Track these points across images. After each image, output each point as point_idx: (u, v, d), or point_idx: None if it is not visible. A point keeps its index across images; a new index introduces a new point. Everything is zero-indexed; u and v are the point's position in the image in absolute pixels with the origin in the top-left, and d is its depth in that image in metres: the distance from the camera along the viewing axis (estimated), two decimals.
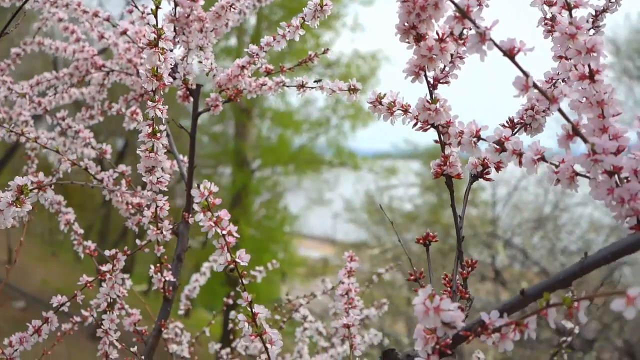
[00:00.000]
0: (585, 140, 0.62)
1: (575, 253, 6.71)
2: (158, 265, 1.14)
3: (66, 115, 1.38)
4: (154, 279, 1.15)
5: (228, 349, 1.72)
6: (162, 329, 1.19)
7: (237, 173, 9.95)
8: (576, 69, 0.67)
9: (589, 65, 0.65)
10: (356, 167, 10.36)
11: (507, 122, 0.83)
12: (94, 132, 1.41)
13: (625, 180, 0.64)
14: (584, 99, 0.67)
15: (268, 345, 0.81)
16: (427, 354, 0.66)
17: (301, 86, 1.17)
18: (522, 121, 0.83)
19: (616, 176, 0.63)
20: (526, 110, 0.83)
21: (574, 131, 0.63)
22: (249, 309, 0.81)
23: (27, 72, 1.45)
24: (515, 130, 0.83)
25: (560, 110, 0.63)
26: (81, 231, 1.29)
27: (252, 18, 9.23)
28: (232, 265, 0.79)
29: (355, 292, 1.18)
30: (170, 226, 1.09)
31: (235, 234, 0.78)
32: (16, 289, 7.63)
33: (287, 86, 1.20)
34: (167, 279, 1.15)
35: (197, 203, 0.75)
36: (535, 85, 0.61)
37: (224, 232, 0.77)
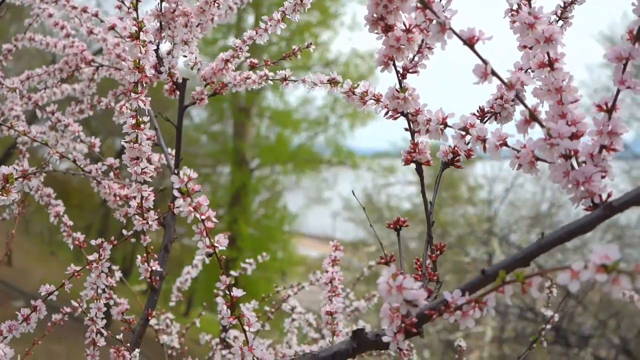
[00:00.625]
0: (542, 125, 0.65)
1: (572, 250, 6.73)
2: (145, 255, 1.16)
3: (56, 110, 1.41)
4: (141, 268, 1.17)
5: (217, 339, 1.75)
6: (149, 318, 1.22)
7: (236, 172, 9.97)
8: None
9: (547, 54, 0.68)
10: (355, 165, 10.39)
11: (477, 111, 0.86)
12: (94, 131, 1.44)
13: (583, 164, 0.66)
14: (545, 86, 0.70)
15: (246, 327, 0.83)
16: (394, 333, 0.68)
17: (284, 79, 1.20)
18: (492, 110, 0.85)
19: (573, 160, 0.66)
20: (496, 99, 0.85)
21: (531, 117, 0.65)
22: (228, 293, 0.83)
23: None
24: (486, 119, 0.86)
25: (518, 97, 0.65)
26: (70, 223, 1.32)
27: (251, 17, 9.26)
28: (210, 250, 0.81)
29: (339, 281, 1.20)
30: (156, 216, 1.11)
31: (214, 219, 0.80)
32: (15, 288, 7.66)
33: (271, 80, 1.23)
34: (153, 268, 1.18)
35: (176, 189, 0.77)
36: (493, 73, 0.64)
37: (203, 217, 0.79)
